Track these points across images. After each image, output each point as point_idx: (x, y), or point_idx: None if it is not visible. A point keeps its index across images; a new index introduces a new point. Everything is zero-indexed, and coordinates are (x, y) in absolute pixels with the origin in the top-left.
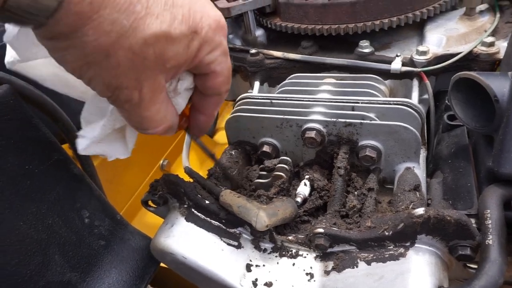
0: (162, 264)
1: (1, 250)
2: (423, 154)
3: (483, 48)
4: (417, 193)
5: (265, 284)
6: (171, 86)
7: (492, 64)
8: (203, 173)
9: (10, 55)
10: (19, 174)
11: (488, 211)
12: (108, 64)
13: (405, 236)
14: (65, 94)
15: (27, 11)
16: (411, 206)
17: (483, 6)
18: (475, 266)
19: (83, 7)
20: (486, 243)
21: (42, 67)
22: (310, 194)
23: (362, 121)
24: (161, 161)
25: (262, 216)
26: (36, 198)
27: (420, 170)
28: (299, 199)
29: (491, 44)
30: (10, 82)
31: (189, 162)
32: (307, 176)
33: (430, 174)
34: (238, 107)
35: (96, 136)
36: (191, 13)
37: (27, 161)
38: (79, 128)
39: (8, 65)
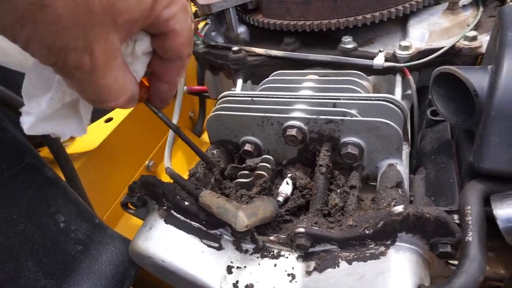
0: None
1: None
2: (406, 150)
3: (466, 43)
4: (399, 190)
5: (246, 286)
6: (128, 49)
7: (474, 59)
8: None
9: None
10: None
11: (469, 207)
12: (45, 18)
13: (385, 235)
14: (1, 64)
15: None
16: (392, 203)
17: (466, 1)
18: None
19: None
20: (466, 240)
21: None
22: (292, 193)
23: (343, 117)
24: (147, 162)
25: (241, 216)
26: (6, 203)
27: (403, 167)
28: (280, 198)
29: (474, 39)
30: None
31: (171, 163)
32: (289, 175)
33: (413, 170)
34: (219, 106)
35: (43, 111)
36: None
37: None
38: None
39: None
